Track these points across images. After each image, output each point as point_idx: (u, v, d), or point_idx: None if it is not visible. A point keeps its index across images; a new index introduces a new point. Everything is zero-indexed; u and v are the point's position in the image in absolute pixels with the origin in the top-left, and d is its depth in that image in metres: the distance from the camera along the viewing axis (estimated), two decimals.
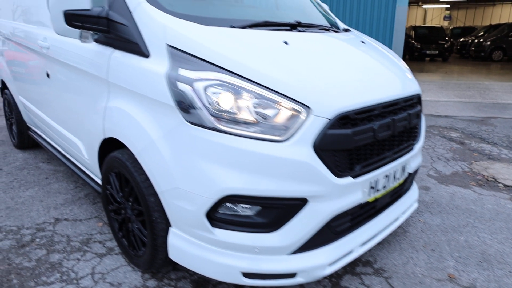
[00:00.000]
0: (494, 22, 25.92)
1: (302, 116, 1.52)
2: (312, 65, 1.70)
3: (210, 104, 1.51)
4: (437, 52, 16.91)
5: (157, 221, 1.77)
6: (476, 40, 17.96)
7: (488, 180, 3.42)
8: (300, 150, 1.50)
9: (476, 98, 7.70)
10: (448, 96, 7.88)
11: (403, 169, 2.02)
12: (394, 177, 1.95)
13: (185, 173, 1.57)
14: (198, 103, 1.52)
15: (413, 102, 2.06)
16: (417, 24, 24.24)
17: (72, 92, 2.35)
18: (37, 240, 2.40)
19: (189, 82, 1.55)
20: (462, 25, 27.83)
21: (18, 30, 3.26)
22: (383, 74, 1.95)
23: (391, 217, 2.09)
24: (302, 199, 1.55)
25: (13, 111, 4.00)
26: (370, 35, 8.97)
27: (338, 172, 1.60)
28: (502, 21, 27.24)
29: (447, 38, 17.35)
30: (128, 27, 1.78)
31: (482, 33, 18.88)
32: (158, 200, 1.75)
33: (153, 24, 1.71)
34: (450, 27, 25.14)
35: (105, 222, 2.60)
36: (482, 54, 17.28)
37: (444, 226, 2.58)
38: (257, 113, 1.51)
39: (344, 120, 1.61)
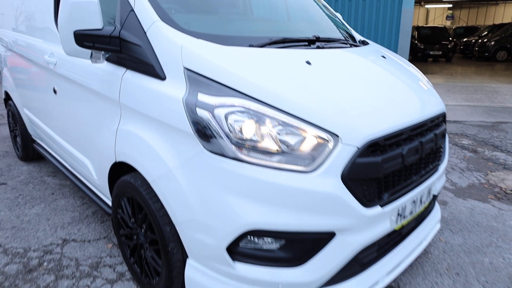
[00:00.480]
0: (497, 22, 25.79)
1: (330, 145, 1.43)
2: (337, 88, 1.61)
3: (231, 132, 1.42)
4: (440, 52, 16.78)
5: (173, 251, 1.68)
6: (479, 40, 17.83)
7: (507, 193, 3.33)
8: (327, 182, 1.41)
9: (485, 102, 7.59)
10: (456, 100, 7.77)
11: (429, 192, 1.93)
12: (421, 201, 1.86)
13: (205, 204, 1.48)
14: (219, 131, 1.43)
15: (439, 121, 1.97)
16: (419, 24, 24.12)
17: (82, 111, 2.27)
18: (45, 264, 2.31)
19: (209, 108, 1.45)
20: (465, 25, 27.69)
21: (22, 42, 3.18)
22: (409, 94, 1.86)
23: (416, 241, 2.00)
24: (330, 233, 1.46)
25: (17, 123, 3.91)
26: (376, 38, 8.86)
27: (366, 202, 1.51)
28: (505, 21, 27.08)
29: (450, 39, 17.22)
30: (142, 48, 1.69)
31: (485, 33, 18.75)
32: (174, 230, 1.66)
33: (169, 44, 1.62)
34: (453, 27, 25.00)
35: (115, 243, 2.52)
36: (486, 54, 17.15)
37: (467, 246, 2.48)
38: (281, 142, 1.42)
39: (373, 147, 1.51)
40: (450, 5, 30.34)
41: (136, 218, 1.91)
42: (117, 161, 1.92)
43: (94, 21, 1.68)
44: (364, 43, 2.54)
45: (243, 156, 1.42)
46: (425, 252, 2.41)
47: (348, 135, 1.45)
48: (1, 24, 3.89)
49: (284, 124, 1.42)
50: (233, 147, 1.42)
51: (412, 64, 2.44)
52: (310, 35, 2.14)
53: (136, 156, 1.74)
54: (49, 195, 3.29)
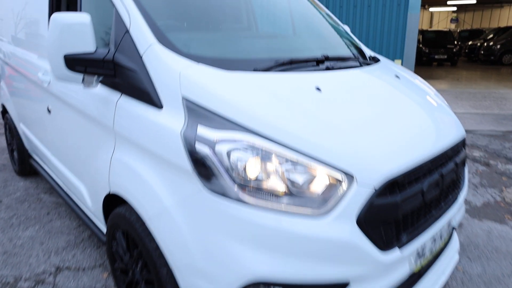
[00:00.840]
0: (502, 25, 25.53)
1: (344, 186, 1.28)
2: (350, 119, 1.46)
3: (234, 171, 1.28)
4: (446, 56, 16.57)
5: None
6: (485, 44, 17.61)
7: None
8: (341, 227, 1.26)
9: (494, 109, 7.41)
10: (464, 107, 7.60)
11: (449, 225, 1.77)
12: (441, 237, 1.70)
13: (205, 249, 1.34)
14: (220, 170, 1.29)
15: (459, 148, 1.82)
16: (424, 28, 23.89)
17: (76, 134, 2.13)
18: None
19: (210, 143, 1.31)
20: (469, 28, 27.46)
21: (17, 55, 3.05)
22: (427, 121, 1.70)
23: (434, 277, 1.84)
24: (343, 283, 1.31)
25: (14, 137, 3.79)
26: (381, 43, 8.71)
27: (383, 245, 1.36)
28: (510, 23, 26.82)
29: (455, 42, 17.02)
30: (138, 73, 1.55)
31: (491, 36, 18.52)
32: (171, 273, 1.52)
33: (166, 70, 1.49)
34: (458, 30, 24.79)
35: (110, 273, 2.37)
36: (492, 57, 16.93)
37: (487, 277, 2.32)
38: (290, 182, 1.27)
39: (392, 186, 1.36)
40: (455, 8, 30.14)
41: (131, 253, 1.77)
42: (111, 192, 1.78)
43: (86, 44, 1.55)
44: (375, 59, 2.39)
45: (247, 197, 1.27)
46: (443, 285, 2.25)
47: (364, 174, 1.30)
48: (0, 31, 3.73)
49: (293, 162, 1.28)
50: (236, 188, 1.28)
51: (425, 82, 2.29)
52: (318, 53, 2.00)
53: (131, 190, 1.60)
54: (44, 215, 3.15)
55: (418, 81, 2.18)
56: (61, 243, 2.71)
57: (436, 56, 16.65)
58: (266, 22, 2.79)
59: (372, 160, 1.33)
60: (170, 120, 1.43)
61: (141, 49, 1.57)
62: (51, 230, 2.89)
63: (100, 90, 1.80)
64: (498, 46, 16.82)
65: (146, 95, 1.53)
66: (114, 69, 1.62)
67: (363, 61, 2.17)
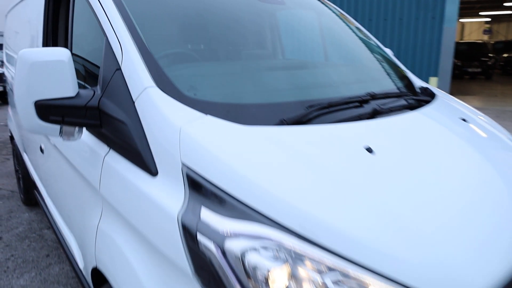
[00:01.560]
0: None
1: None
2: (420, 202, 1.01)
3: (250, 281, 0.87)
4: (480, 69, 15.68)
5: None
6: None
7: None
8: None
9: None
10: (508, 128, 6.91)
11: None
12: None
13: None
14: (230, 278, 0.89)
15: None
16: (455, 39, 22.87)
17: (65, 182, 1.80)
18: None
19: (217, 238, 0.91)
20: (503, 39, 26.19)
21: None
22: None
23: None
24: None
25: (20, 164, 3.55)
26: (414, 59, 8.17)
27: None
28: None
29: (490, 55, 16.10)
30: (128, 126, 1.18)
31: None
32: None
33: (163, 124, 1.11)
34: (492, 42, 23.65)
35: None
36: None
37: None
38: None
39: None
40: (489, 19, 28.91)
41: None
42: (96, 267, 1.41)
43: (63, 87, 1.20)
44: (427, 92, 1.95)
45: None
46: None
47: None
48: (14, 46, 3.42)
49: (339, 275, 0.86)
50: None
51: (498, 125, 1.82)
52: (359, 88, 1.59)
53: (115, 275, 1.22)
54: (43, 257, 2.84)
55: (491, 126, 1.71)
56: None
57: (469, 69, 15.79)
58: (292, 46, 2.41)
59: (454, 273, 0.89)
60: (165, 195, 1.05)
61: (134, 93, 1.21)
62: (47, 279, 2.57)
63: (88, 139, 1.45)
64: None
65: (138, 156, 1.15)
66: (100, 118, 1.26)
67: (417, 98, 1.73)
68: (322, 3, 2.36)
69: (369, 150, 1.13)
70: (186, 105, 1.15)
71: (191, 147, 1.03)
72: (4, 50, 3.98)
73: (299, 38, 2.29)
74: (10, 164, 4.98)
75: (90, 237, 1.46)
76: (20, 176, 3.59)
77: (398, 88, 1.82)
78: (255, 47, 1.79)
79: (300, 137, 1.12)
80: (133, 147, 1.17)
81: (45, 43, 2.02)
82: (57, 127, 1.25)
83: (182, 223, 0.97)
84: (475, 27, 31.49)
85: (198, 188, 1.00)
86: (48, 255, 2.87)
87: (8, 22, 3.67)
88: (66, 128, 1.27)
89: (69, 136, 1.29)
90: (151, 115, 1.14)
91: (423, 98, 1.77)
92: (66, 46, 1.81)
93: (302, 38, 2.22)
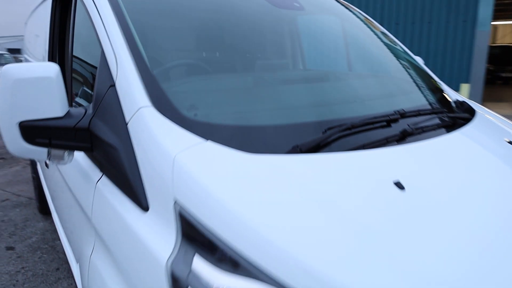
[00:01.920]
0: None
1: None
2: (464, 263, 0.80)
3: None
4: None
5: None
6: None
7: None
8: None
9: None
10: None
11: None
12: None
13: None
14: None
15: None
16: None
17: (66, 202, 1.69)
18: None
19: None
20: None
21: None
22: None
23: None
24: None
25: (35, 172, 3.52)
26: (443, 65, 7.78)
27: None
28: None
29: None
30: (119, 152, 1.04)
31: None
32: None
33: (156, 151, 0.96)
34: None
35: None
36: None
37: None
38: None
39: None
40: None
41: None
42: None
43: (51, 106, 1.08)
44: (464, 107, 1.73)
45: None
46: None
47: None
48: (33, 51, 3.36)
49: None
50: None
51: None
52: (387, 104, 1.40)
53: None
54: (53, 271, 2.76)
55: None
56: None
57: (502, 74, 15.04)
58: (311, 56, 2.23)
59: None
60: (155, 236, 0.90)
61: (127, 113, 1.07)
62: None
63: (81, 159, 1.33)
64: None
65: (129, 187, 1.01)
66: (91, 140, 1.13)
67: (454, 115, 1.52)
68: (344, 6, 2.18)
69: (399, 185, 0.94)
70: (184, 128, 1.00)
71: (185, 181, 0.88)
72: (24, 55, 4.01)
73: (319, 47, 2.11)
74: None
75: (84, 266, 1.33)
76: (36, 184, 3.56)
77: (431, 103, 1.61)
78: (268, 58, 1.62)
79: (315, 170, 0.93)
80: (124, 176, 1.03)
81: (51, 52, 1.94)
82: (44, 150, 1.13)
83: (171, 272, 0.82)
84: (508, 29, 30.13)
85: (191, 231, 0.84)
86: (58, 269, 2.80)
87: (27, 27, 3.69)
88: (55, 151, 1.15)
89: (58, 159, 1.16)
90: (144, 140, 1.00)
91: (461, 115, 1.55)
92: (66, 55, 1.71)
93: (322, 46, 2.04)
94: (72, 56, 1.60)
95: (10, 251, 3.05)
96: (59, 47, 1.89)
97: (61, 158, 1.16)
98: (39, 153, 1.13)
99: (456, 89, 6.93)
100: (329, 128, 1.12)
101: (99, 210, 1.15)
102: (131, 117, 1.05)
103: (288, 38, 1.99)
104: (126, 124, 1.06)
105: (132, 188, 1.00)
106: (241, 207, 0.80)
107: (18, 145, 1.09)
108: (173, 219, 0.88)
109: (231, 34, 1.47)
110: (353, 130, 1.15)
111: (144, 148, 0.99)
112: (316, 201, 0.84)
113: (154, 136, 0.98)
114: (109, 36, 1.20)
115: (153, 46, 1.26)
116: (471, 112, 1.65)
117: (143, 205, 0.96)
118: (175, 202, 0.88)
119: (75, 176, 1.38)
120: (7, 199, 4.12)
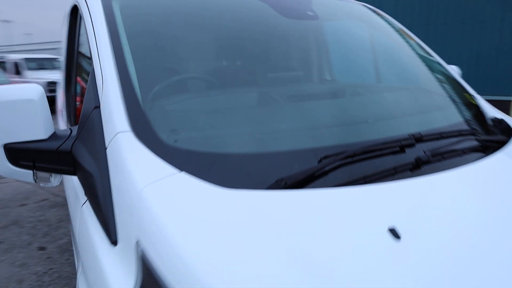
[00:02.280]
0: None
1: None
2: None
3: None
4: None
5: None
6: None
7: None
8: None
9: None
10: None
11: None
12: None
13: None
14: None
15: None
16: None
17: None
18: None
19: None
20: None
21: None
22: None
23: None
24: None
25: None
26: (497, 69, 7.14)
27: None
28: None
29: None
30: (95, 180, 0.99)
31: None
32: None
33: (127, 183, 0.90)
34: None
35: None
36: None
37: None
38: None
39: None
40: None
41: None
42: None
43: (34, 129, 1.06)
44: (501, 127, 1.51)
45: None
46: None
47: None
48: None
49: None
50: None
51: None
52: (401, 125, 1.24)
53: None
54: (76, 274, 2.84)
55: None
56: None
57: None
58: (341, 65, 2.08)
59: None
60: (119, 274, 0.83)
61: (107, 138, 1.02)
62: None
63: (75, 178, 1.31)
64: None
65: (102, 216, 0.96)
66: (74, 164, 1.09)
67: (485, 138, 1.31)
68: (370, 11, 2.01)
69: (393, 232, 0.80)
70: (159, 156, 0.93)
71: (147, 220, 0.80)
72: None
73: (344, 56, 1.97)
74: None
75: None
76: None
77: (459, 123, 1.41)
78: (267, 76, 1.50)
79: (299, 212, 0.81)
80: (98, 205, 0.98)
81: (67, 66, 1.97)
82: (30, 172, 1.12)
83: None
84: None
85: (148, 276, 0.76)
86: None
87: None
88: (40, 174, 1.13)
89: (44, 182, 1.15)
90: (118, 168, 0.94)
91: (494, 138, 1.34)
92: (73, 70, 1.72)
93: (344, 56, 1.90)
94: (76, 72, 1.60)
95: (41, 251, 3.19)
96: (69, 61, 1.92)
97: (47, 180, 1.15)
98: (25, 175, 1.12)
99: None
100: (325, 157, 0.99)
101: (81, 233, 1.12)
102: (109, 142, 1.00)
103: (296, 52, 1.85)
104: (105, 149, 1.01)
105: (105, 219, 0.94)
106: (203, 260, 0.70)
107: (4, 167, 1.09)
108: (134, 260, 0.81)
109: (226, 55, 1.38)
110: (354, 158, 1.01)
111: (118, 177, 0.93)
112: (294, 258, 0.71)
113: (126, 165, 0.92)
114: (99, 54, 1.17)
115: (144, 68, 1.20)
116: (509, 133, 1.43)
117: (112, 239, 0.91)
118: (137, 242, 0.81)
119: (70, 192, 1.37)
120: (46, 199, 4.34)
